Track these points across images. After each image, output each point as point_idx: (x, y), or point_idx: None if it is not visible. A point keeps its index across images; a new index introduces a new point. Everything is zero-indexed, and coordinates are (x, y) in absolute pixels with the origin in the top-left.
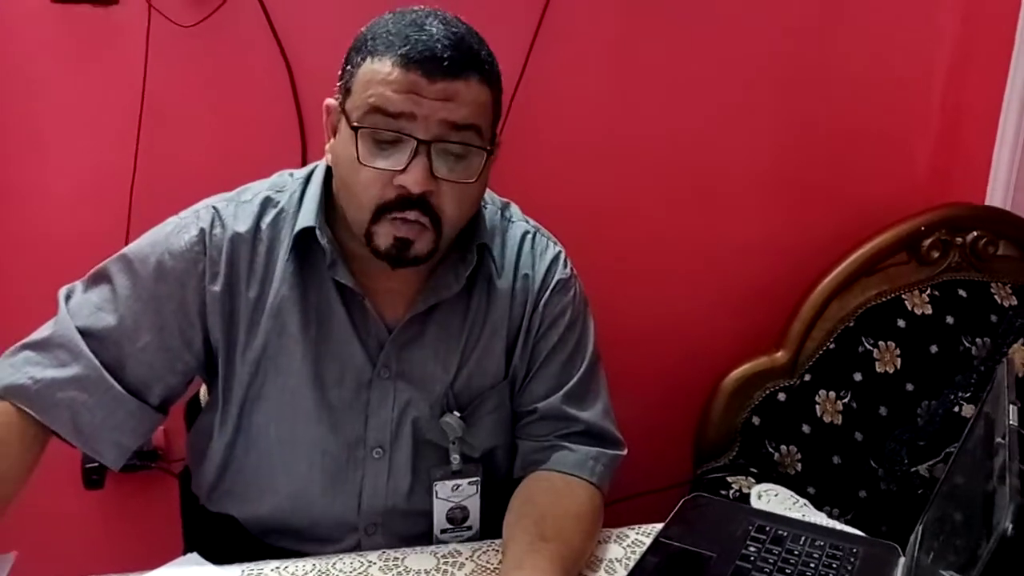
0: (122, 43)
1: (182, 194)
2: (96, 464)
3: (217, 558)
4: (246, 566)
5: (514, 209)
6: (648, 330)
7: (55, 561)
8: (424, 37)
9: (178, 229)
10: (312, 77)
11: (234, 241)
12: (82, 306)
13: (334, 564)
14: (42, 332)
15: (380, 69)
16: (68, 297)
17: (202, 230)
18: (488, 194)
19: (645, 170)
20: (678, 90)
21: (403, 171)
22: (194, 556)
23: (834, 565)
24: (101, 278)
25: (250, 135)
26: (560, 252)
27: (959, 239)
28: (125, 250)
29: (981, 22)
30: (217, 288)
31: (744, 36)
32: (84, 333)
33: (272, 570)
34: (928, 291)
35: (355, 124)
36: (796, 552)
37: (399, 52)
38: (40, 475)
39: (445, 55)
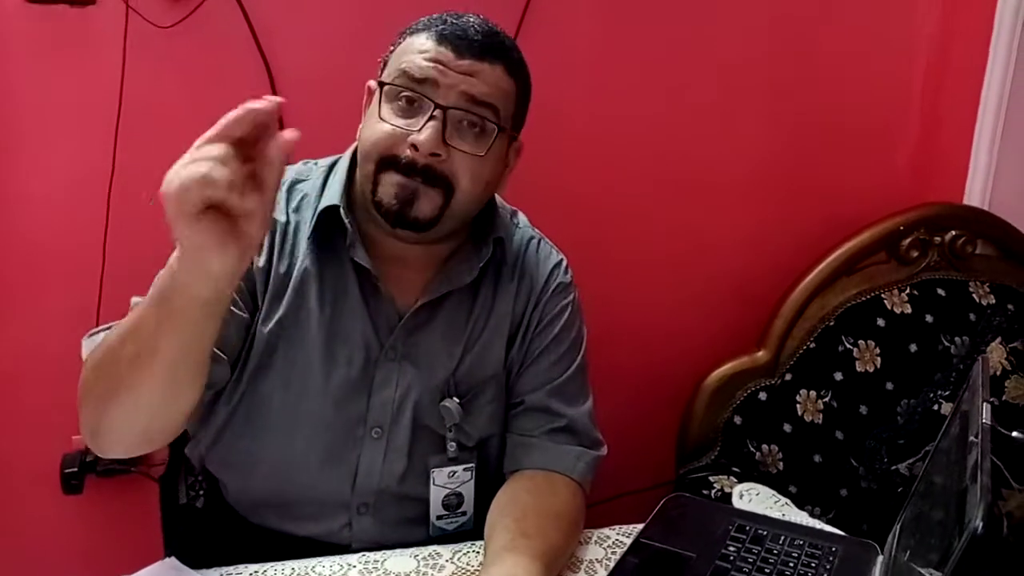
0: (99, 44)
1: (161, 196)
2: (75, 469)
3: (197, 562)
4: (225, 570)
5: (522, 217)
6: (629, 330)
7: (34, 567)
8: (460, 22)
9: None
10: (291, 77)
11: (272, 221)
12: None
13: (313, 567)
14: None
15: (416, 41)
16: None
17: None
18: (498, 199)
19: (625, 169)
20: (659, 88)
21: (418, 131)
22: (172, 561)
23: (813, 564)
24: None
25: None
26: (563, 260)
27: (938, 238)
28: None
29: (959, 22)
30: (261, 263)
31: (725, 35)
32: None
33: (251, 574)
34: (907, 290)
35: (383, 81)
36: (775, 551)
37: (435, 29)
38: (18, 481)
39: (476, 38)
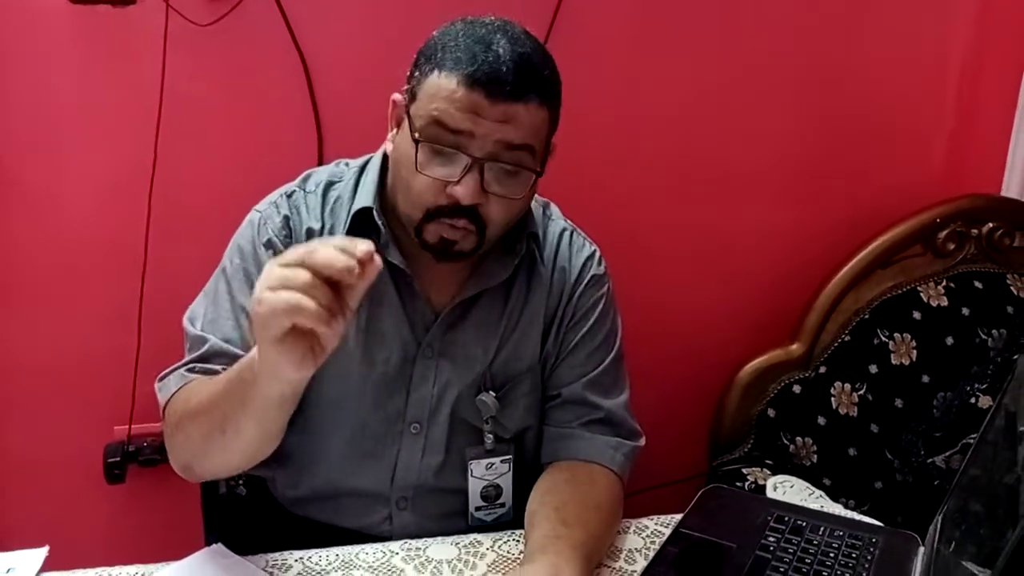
0: (140, 43)
1: (201, 193)
2: (117, 459)
3: (239, 548)
4: (271, 556)
5: (554, 208)
6: (663, 323)
7: (80, 555)
8: (491, 58)
9: (263, 220)
10: (329, 74)
11: (308, 229)
12: (213, 322)
13: (357, 554)
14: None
15: (446, 85)
16: (192, 321)
17: (286, 217)
18: None
19: (659, 163)
20: (693, 83)
21: (456, 183)
22: (219, 547)
23: (854, 555)
24: (215, 291)
25: (267, 133)
26: (596, 251)
27: (975, 230)
28: (225, 258)
29: (997, 14)
30: None
31: (760, 30)
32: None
33: (296, 560)
34: (944, 283)
35: (416, 135)
36: (815, 542)
37: (465, 72)
38: (62, 471)
39: (508, 79)
